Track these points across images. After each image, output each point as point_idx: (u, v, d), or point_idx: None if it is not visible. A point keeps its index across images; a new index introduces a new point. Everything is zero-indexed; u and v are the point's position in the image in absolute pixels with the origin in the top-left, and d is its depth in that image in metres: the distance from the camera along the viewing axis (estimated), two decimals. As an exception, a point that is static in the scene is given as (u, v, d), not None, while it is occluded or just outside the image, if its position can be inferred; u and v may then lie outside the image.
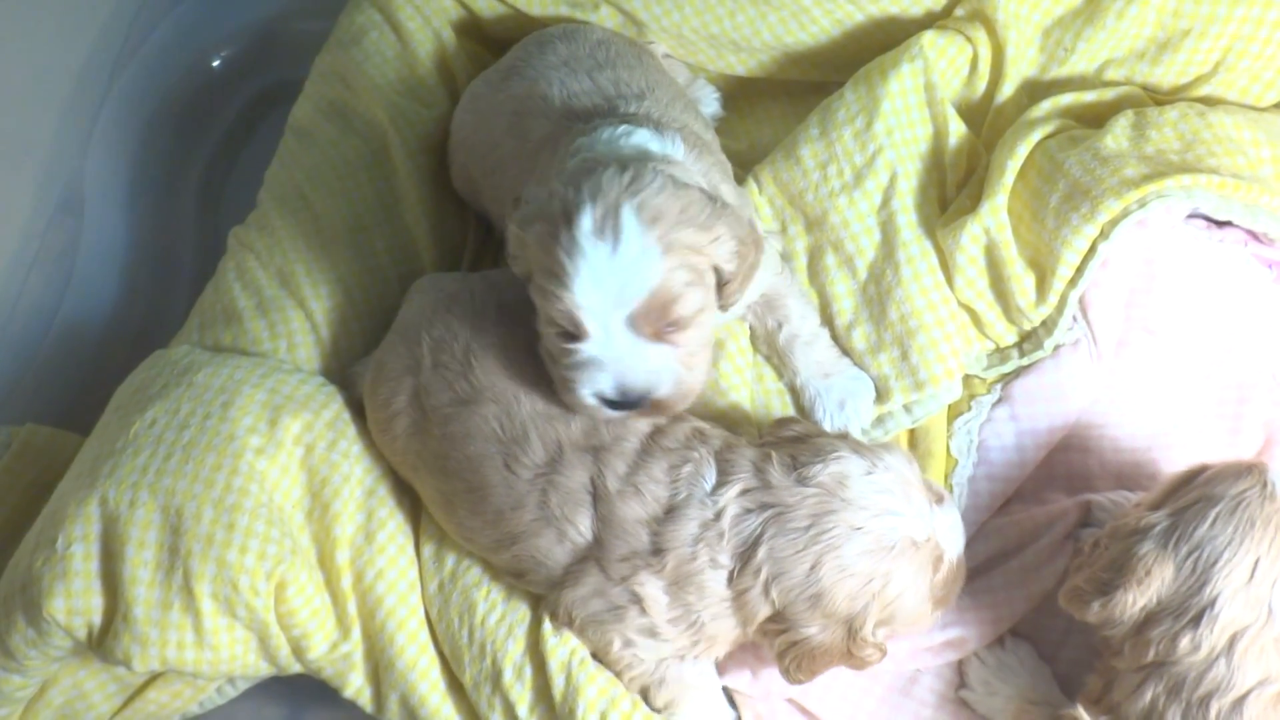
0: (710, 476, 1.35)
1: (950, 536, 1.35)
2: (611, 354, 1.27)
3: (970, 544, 1.50)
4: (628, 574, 1.35)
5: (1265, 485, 1.22)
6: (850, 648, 1.31)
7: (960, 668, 1.46)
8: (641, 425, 1.39)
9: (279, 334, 1.61)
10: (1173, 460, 1.51)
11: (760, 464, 1.34)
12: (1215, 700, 1.16)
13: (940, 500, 1.36)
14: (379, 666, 1.47)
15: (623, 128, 1.38)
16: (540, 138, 1.50)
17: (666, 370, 1.30)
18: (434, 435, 1.43)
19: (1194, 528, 1.20)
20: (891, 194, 1.59)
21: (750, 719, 1.47)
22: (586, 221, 1.23)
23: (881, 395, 1.55)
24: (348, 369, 1.61)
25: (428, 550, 1.50)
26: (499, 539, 1.41)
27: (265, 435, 1.47)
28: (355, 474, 1.50)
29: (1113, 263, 1.51)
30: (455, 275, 1.58)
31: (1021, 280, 1.53)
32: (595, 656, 1.42)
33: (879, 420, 1.56)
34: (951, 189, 1.62)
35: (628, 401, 1.30)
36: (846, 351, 1.58)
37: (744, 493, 1.33)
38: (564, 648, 1.40)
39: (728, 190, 1.43)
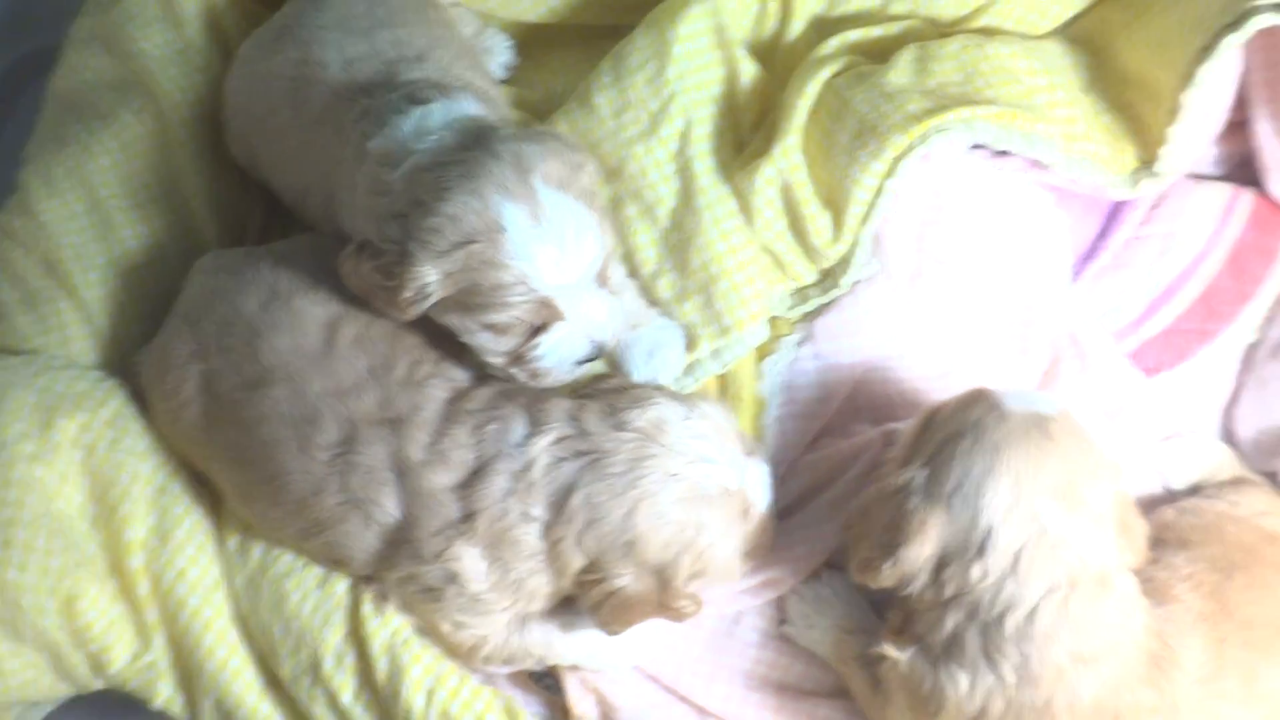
0: (519, 429, 1.32)
1: (760, 489, 1.36)
2: (582, 318, 1.28)
3: (783, 482, 1.52)
4: (442, 548, 1.31)
5: (996, 407, 1.26)
6: (663, 599, 1.31)
7: (780, 604, 1.47)
8: (439, 392, 1.35)
9: (49, 328, 1.51)
10: (969, 383, 1.55)
11: (576, 413, 1.33)
12: (1009, 616, 1.20)
13: (752, 453, 1.37)
14: (188, 672, 1.41)
15: (436, 109, 1.33)
16: (320, 110, 1.43)
17: (616, 309, 1.33)
18: (226, 423, 1.36)
19: (949, 469, 1.23)
20: (688, 139, 1.57)
21: (575, 683, 1.46)
22: (518, 217, 1.22)
23: (690, 343, 1.55)
24: (129, 359, 1.51)
25: (232, 544, 1.43)
26: (305, 528, 1.35)
27: (39, 440, 1.38)
28: (143, 472, 1.42)
29: (902, 198, 1.53)
30: (240, 251, 1.50)
31: (817, 220, 1.54)
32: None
33: (689, 368, 1.55)
34: (747, 131, 1.62)
35: (598, 353, 1.33)
36: (653, 301, 1.57)
37: (559, 441, 1.31)
38: (385, 629, 1.36)
39: None
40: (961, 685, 1.23)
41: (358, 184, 1.35)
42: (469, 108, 1.35)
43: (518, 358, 1.34)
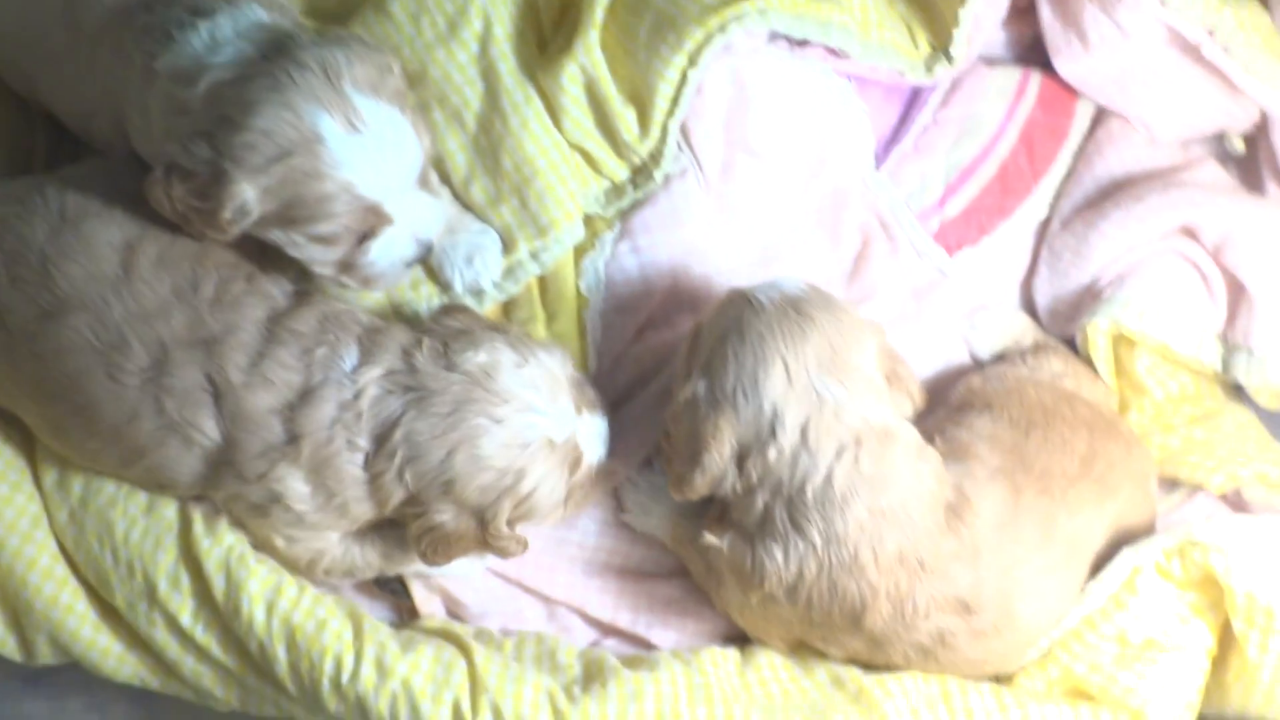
0: (350, 357, 1.31)
1: (592, 442, 1.37)
2: (407, 219, 1.29)
3: (610, 375, 1.56)
4: (265, 470, 1.30)
5: (750, 303, 1.33)
6: (484, 537, 1.32)
7: (616, 494, 1.51)
8: (256, 311, 1.33)
9: None
10: (784, 270, 1.59)
11: (409, 348, 1.32)
12: (808, 485, 1.27)
13: (592, 407, 1.38)
14: (17, 612, 1.38)
15: (223, 20, 1.28)
16: (97, 29, 1.37)
17: (439, 207, 1.35)
18: (26, 357, 1.32)
19: (724, 371, 1.30)
20: (488, 40, 1.56)
21: (420, 585, 1.48)
22: (333, 126, 1.20)
23: (508, 246, 1.55)
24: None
25: (50, 480, 1.40)
26: (124, 456, 1.33)
27: None
28: (-56, 414, 1.37)
29: (707, 89, 1.55)
30: (22, 180, 1.43)
31: (624, 115, 1.55)
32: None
33: (509, 272, 1.56)
34: (548, 30, 1.61)
35: (426, 252, 1.34)
36: (467, 207, 1.56)
37: (388, 374, 1.30)
38: (219, 547, 1.36)
39: None
40: (777, 557, 1.30)
41: (149, 106, 1.30)
42: (258, 15, 1.31)
43: (347, 265, 1.33)
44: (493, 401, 1.29)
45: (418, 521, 1.31)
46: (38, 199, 1.35)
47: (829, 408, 1.27)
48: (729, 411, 1.29)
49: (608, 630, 1.50)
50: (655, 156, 1.57)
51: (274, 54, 1.25)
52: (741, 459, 1.29)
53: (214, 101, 1.24)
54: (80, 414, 1.31)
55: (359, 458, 1.30)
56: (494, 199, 1.55)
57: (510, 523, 1.32)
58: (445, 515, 1.30)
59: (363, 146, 1.22)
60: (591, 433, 1.37)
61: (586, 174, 1.59)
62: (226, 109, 1.23)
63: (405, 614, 1.49)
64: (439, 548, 1.32)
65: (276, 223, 1.28)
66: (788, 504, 1.28)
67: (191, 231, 1.31)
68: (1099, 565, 1.38)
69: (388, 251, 1.33)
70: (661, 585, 1.51)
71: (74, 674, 1.45)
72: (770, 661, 1.41)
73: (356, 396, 1.29)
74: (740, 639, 1.46)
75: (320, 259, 1.32)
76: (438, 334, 1.35)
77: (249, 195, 1.23)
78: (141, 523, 1.37)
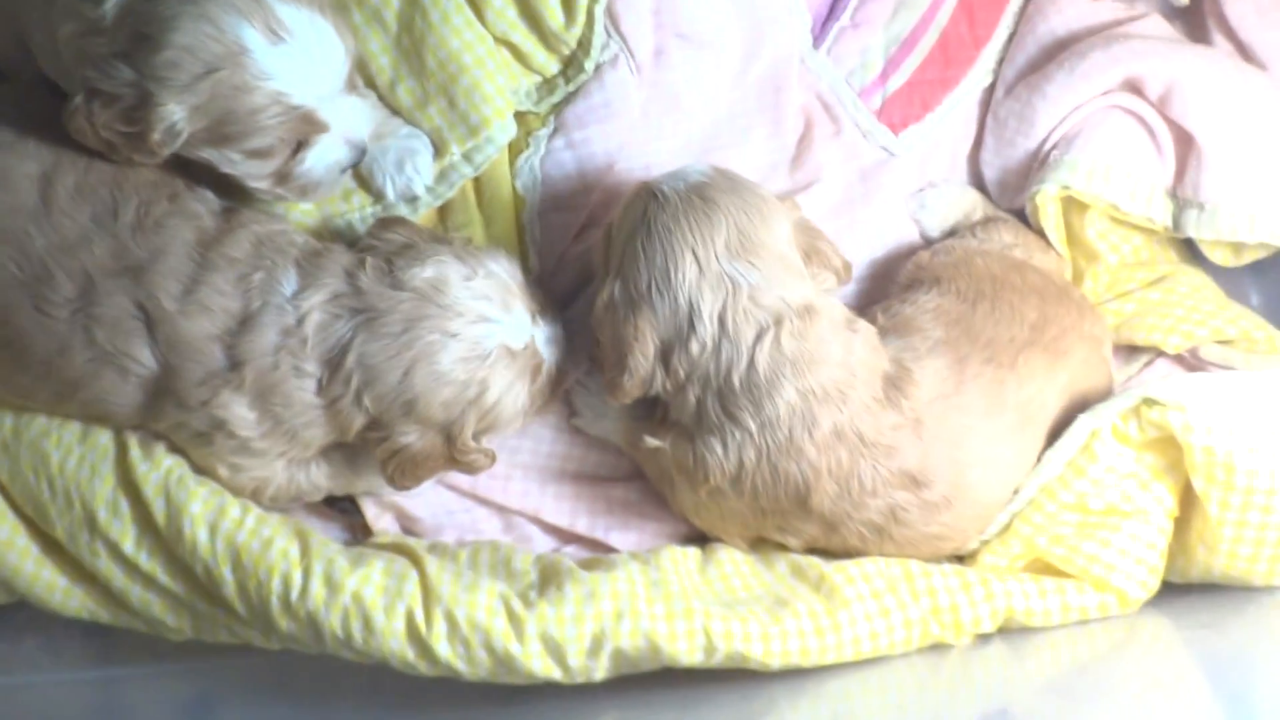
0: (289, 282, 1.28)
1: (550, 347, 1.35)
2: (339, 124, 1.28)
3: (553, 277, 1.52)
4: (207, 397, 1.27)
5: (654, 195, 1.30)
6: (452, 453, 1.30)
7: (567, 398, 1.48)
8: (184, 234, 1.30)
9: None
10: (727, 158, 1.56)
11: (352, 269, 1.29)
12: (734, 373, 1.25)
13: (545, 310, 1.36)
14: (-43, 550, 1.34)
15: None
16: None
17: (365, 108, 1.34)
18: None
19: (636, 269, 1.28)
20: (403, -68, 1.50)
21: (371, 503, 1.45)
22: (256, 36, 1.18)
23: (439, 149, 1.51)
24: None
25: (-21, 416, 1.36)
26: (58, 390, 1.30)
27: None
28: None
29: (631, -29, 1.50)
30: None
31: (547, 3, 1.50)
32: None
33: (442, 175, 1.51)
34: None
35: (361, 155, 1.33)
36: (395, 112, 1.51)
37: (333, 298, 1.27)
38: (157, 471, 1.32)
39: None
40: (716, 449, 1.28)
41: (53, 23, 1.24)
42: None
43: (283, 176, 1.30)
44: (445, 316, 1.26)
45: (383, 445, 1.28)
46: None
47: (744, 292, 1.25)
48: (646, 310, 1.27)
49: (567, 537, 1.48)
50: (584, 45, 1.52)
51: None
52: (666, 356, 1.27)
53: (126, 17, 1.20)
54: (9, 348, 1.28)
55: (309, 384, 1.27)
56: (421, 100, 1.50)
57: (475, 435, 1.30)
58: (410, 436, 1.27)
59: (289, 55, 1.20)
60: (547, 337, 1.35)
61: (515, 69, 1.54)
62: (142, 25, 1.19)
63: (359, 532, 1.47)
64: (406, 470, 1.30)
65: (208, 141, 1.25)
66: (718, 395, 1.26)
67: (116, 158, 1.27)
68: (1057, 434, 1.36)
69: (322, 158, 1.30)
70: (619, 489, 1.49)
71: (26, 612, 1.42)
72: (731, 557, 1.40)
73: (300, 322, 1.26)
74: (701, 539, 1.45)
75: (255, 173, 1.30)
76: (380, 251, 1.31)
77: (178, 115, 1.20)
78: (76, 451, 1.33)
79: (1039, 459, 1.36)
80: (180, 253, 1.28)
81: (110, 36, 1.20)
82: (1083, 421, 1.35)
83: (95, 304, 1.26)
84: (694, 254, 1.26)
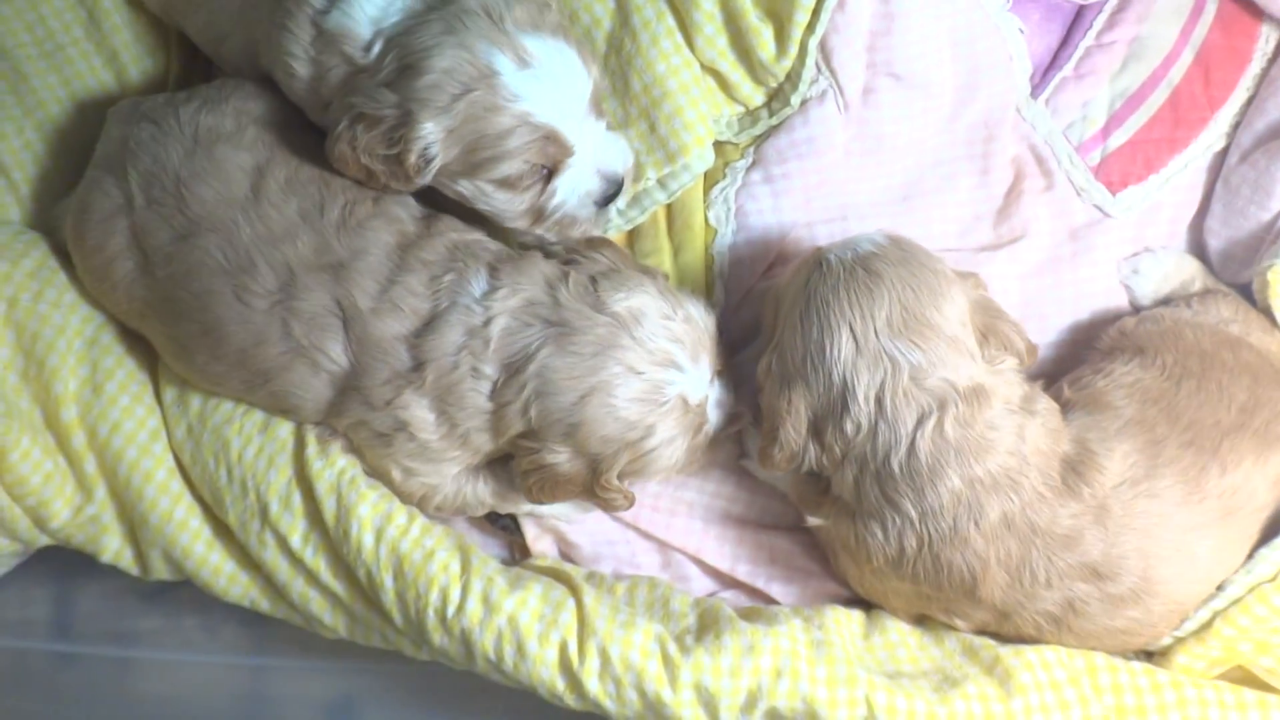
0: (479, 283, 1.28)
1: (717, 411, 1.32)
2: (589, 152, 1.30)
3: (737, 311, 1.49)
4: (391, 396, 1.28)
5: (819, 265, 1.25)
6: (594, 485, 1.28)
7: (739, 438, 1.44)
8: (384, 235, 1.31)
9: (-38, 184, 1.45)
10: (929, 205, 1.50)
11: (554, 280, 1.28)
12: (893, 457, 1.20)
13: (723, 371, 1.33)
14: (134, 525, 1.38)
15: None
16: None
17: (621, 143, 1.35)
18: (158, 277, 1.32)
19: (793, 342, 1.23)
20: (620, -45, 1.49)
21: (532, 523, 1.43)
22: (506, 62, 1.23)
23: (636, 172, 1.49)
24: (49, 212, 1.46)
25: (170, 394, 1.39)
26: (249, 380, 1.32)
27: (-45, 292, 1.32)
28: (72, 324, 1.37)
29: (849, 4, 1.46)
30: (159, 98, 1.42)
31: (760, 32, 1.47)
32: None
33: (635, 199, 1.50)
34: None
35: (615, 190, 1.34)
36: (596, 132, 1.51)
37: (527, 305, 1.26)
38: (331, 470, 1.33)
39: None
40: (877, 533, 1.23)
41: (298, 51, 1.31)
42: None
43: (538, 212, 1.32)
44: (636, 350, 1.24)
45: (531, 457, 1.27)
46: (172, 121, 1.34)
47: (904, 372, 1.19)
48: (800, 384, 1.23)
49: (726, 581, 1.44)
50: (792, 78, 1.48)
51: (438, 3, 1.27)
52: (820, 432, 1.23)
53: (390, 51, 1.27)
54: (208, 335, 1.31)
55: (484, 385, 1.26)
56: (622, 122, 1.50)
57: (621, 475, 1.28)
58: (561, 456, 1.26)
59: (535, 78, 1.25)
60: (719, 400, 1.32)
61: (719, 98, 1.52)
62: (406, 57, 1.25)
63: (517, 552, 1.45)
64: (546, 486, 1.28)
65: (463, 171, 1.29)
66: (876, 477, 1.21)
67: (374, 186, 1.31)
68: (1273, 529, 1.25)
69: (573, 187, 1.32)
70: (783, 538, 1.44)
71: (189, 592, 1.45)
72: (898, 626, 1.33)
73: (486, 323, 1.26)
74: (865, 602, 1.39)
75: (510, 210, 1.33)
76: (584, 268, 1.30)
77: (434, 137, 1.25)
78: (256, 441, 1.35)
79: (1250, 555, 1.25)
80: (379, 254, 1.29)
81: (373, 70, 1.27)
82: (1305, 520, 1.24)
83: (295, 297, 1.28)
84: (851, 329, 1.20)
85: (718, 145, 1.52)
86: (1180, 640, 1.27)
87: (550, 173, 1.30)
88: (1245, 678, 1.26)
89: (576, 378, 1.23)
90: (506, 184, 1.30)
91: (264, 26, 1.36)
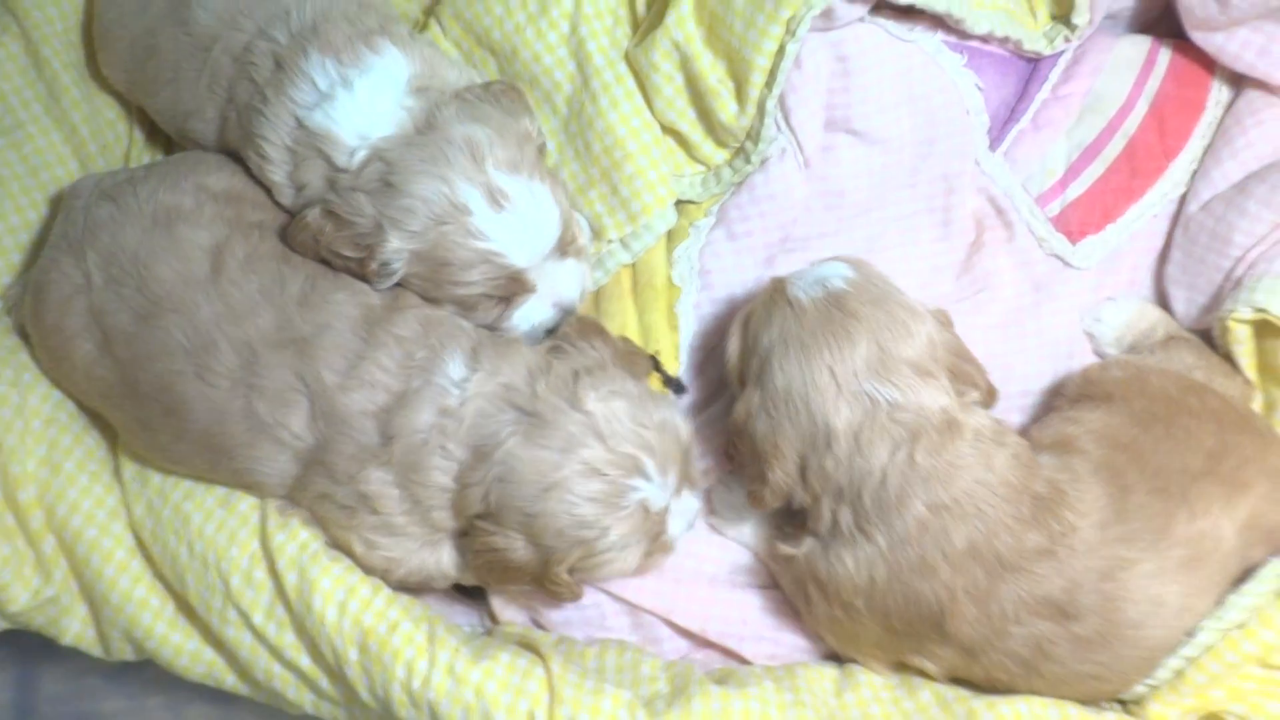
0: (455, 365, 1.27)
1: (680, 522, 1.31)
2: (548, 287, 1.33)
3: (703, 369, 1.48)
4: (356, 471, 1.26)
5: (789, 302, 1.27)
6: (543, 576, 1.27)
7: (707, 496, 1.43)
8: (348, 309, 1.30)
9: (-81, 259, 1.44)
10: (891, 260, 1.50)
11: (535, 369, 1.28)
12: (865, 489, 1.21)
13: (692, 484, 1.32)
14: (94, 605, 1.36)
15: (367, 85, 1.32)
16: (208, 37, 1.39)
17: (581, 272, 1.37)
18: (119, 359, 1.30)
19: (774, 385, 1.24)
20: (578, 19, 1.50)
21: (498, 596, 1.42)
22: (480, 201, 1.26)
23: (598, 234, 1.51)
24: (6, 290, 1.45)
25: (129, 471, 1.37)
26: (212, 458, 1.31)
27: (-89, 375, 1.31)
28: (30, 403, 1.36)
29: (806, 63, 1.47)
30: (117, 174, 1.42)
31: (719, 94, 1.48)
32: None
33: (599, 261, 1.51)
34: (642, 6, 1.54)
35: (566, 316, 1.36)
36: (557, 194, 1.52)
37: (505, 390, 1.26)
38: (292, 543, 1.31)
39: (452, 73, 1.40)
40: (848, 563, 1.24)
41: (274, 138, 1.34)
42: (398, 68, 1.33)
43: (489, 328, 1.35)
44: (603, 451, 1.23)
45: (485, 539, 1.26)
46: (130, 199, 1.34)
47: (882, 409, 1.21)
48: (785, 426, 1.23)
49: (698, 642, 1.42)
50: (753, 136, 1.50)
51: (426, 127, 1.31)
52: (803, 470, 1.24)
53: (373, 162, 1.30)
54: (171, 415, 1.29)
55: (451, 466, 1.26)
56: (583, 185, 1.50)
57: (572, 571, 1.27)
58: (515, 544, 1.25)
59: (505, 222, 1.28)
60: (683, 510, 1.31)
61: (680, 157, 1.53)
62: (389, 174, 1.28)
63: (488, 618, 1.43)
64: (495, 570, 1.28)
65: (423, 282, 1.32)
66: (851, 509, 1.22)
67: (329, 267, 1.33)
68: (1242, 576, 1.25)
69: (528, 317, 1.35)
70: (754, 597, 1.42)
71: (154, 671, 1.41)
72: (870, 681, 1.32)
73: (461, 404, 1.25)
74: (840, 657, 1.37)
75: (465, 319, 1.34)
76: (570, 359, 1.30)
77: (399, 255, 1.28)
78: (217, 515, 1.34)
79: (1221, 602, 1.24)
80: (344, 328, 1.29)
81: (356, 175, 1.30)
82: (1273, 565, 1.23)
83: (257, 375, 1.27)
84: (831, 372, 1.22)
85: (681, 204, 1.53)
86: (1153, 688, 1.26)
87: (508, 301, 1.33)
88: (1221, 725, 1.25)
89: (540, 471, 1.23)
90: (463, 305, 1.32)
91: (236, 106, 1.37)
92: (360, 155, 1.30)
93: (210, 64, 1.38)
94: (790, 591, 1.37)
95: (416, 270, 1.30)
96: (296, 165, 1.34)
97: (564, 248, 1.34)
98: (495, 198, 1.27)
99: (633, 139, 1.48)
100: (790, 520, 1.32)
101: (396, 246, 1.28)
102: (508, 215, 1.28)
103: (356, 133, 1.31)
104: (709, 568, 1.43)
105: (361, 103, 1.31)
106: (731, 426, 1.30)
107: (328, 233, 1.29)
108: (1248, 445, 1.30)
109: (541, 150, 1.35)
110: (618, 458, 1.23)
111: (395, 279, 1.31)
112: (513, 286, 1.32)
